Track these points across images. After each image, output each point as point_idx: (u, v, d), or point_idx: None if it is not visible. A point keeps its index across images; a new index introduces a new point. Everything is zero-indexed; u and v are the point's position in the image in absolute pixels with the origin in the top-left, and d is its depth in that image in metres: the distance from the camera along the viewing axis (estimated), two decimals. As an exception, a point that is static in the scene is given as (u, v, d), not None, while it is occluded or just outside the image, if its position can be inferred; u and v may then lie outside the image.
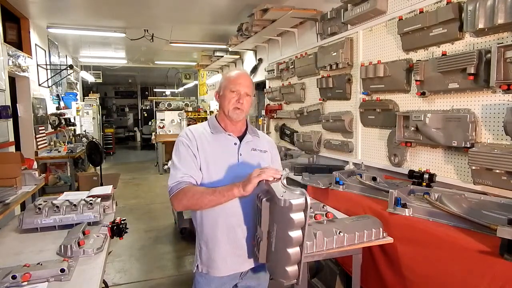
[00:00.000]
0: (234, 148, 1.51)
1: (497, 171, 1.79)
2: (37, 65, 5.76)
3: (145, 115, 15.82)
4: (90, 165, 6.96)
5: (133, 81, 16.69)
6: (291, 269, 1.23)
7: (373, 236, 1.85)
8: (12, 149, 4.34)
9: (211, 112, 9.68)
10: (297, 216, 1.16)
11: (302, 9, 3.83)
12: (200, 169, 1.45)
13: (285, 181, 1.25)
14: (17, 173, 3.00)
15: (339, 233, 1.76)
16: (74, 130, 7.89)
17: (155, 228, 4.53)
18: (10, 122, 4.35)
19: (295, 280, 1.26)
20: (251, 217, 1.44)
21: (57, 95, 7.05)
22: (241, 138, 1.55)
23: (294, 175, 3.47)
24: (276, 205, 1.18)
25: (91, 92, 12.09)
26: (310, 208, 1.26)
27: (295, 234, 1.18)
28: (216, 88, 1.58)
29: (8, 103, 4.32)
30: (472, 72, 1.96)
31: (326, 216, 2.01)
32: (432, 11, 2.26)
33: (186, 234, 4.12)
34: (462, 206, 1.82)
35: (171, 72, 12.91)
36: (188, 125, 8.77)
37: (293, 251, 1.20)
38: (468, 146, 2.04)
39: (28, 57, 5.28)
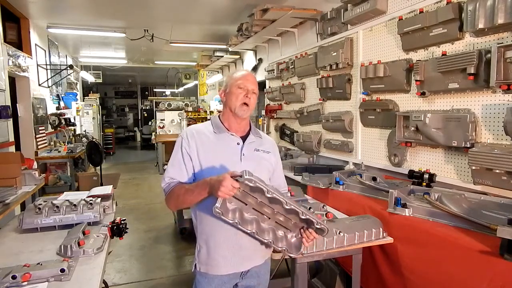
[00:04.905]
0: (237, 148, 1.51)
1: (497, 171, 1.79)
2: (37, 65, 5.76)
3: (145, 115, 15.79)
4: (90, 165, 6.96)
5: (133, 81, 16.68)
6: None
7: (373, 236, 1.85)
8: (12, 149, 4.34)
9: (211, 112, 9.67)
10: None
11: (302, 9, 3.84)
12: (201, 169, 1.45)
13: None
14: (17, 173, 3.00)
15: (339, 233, 1.76)
16: (74, 130, 7.88)
17: (155, 228, 4.53)
18: (10, 122, 4.35)
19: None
20: None
21: (57, 95, 7.05)
22: (244, 138, 1.54)
23: (294, 175, 3.47)
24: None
25: (91, 92, 12.09)
26: None
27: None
28: (222, 87, 1.60)
29: (8, 103, 4.32)
30: (472, 72, 1.96)
31: (326, 216, 2.01)
32: (432, 11, 2.26)
33: (186, 234, 4.12)
34: (462, 206, 1.82)
35: (171, 72, 12.90)
36: (188, 125, 8.81)
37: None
38: (468, 146, 2.04)
39: (28, 57, 5.27)
